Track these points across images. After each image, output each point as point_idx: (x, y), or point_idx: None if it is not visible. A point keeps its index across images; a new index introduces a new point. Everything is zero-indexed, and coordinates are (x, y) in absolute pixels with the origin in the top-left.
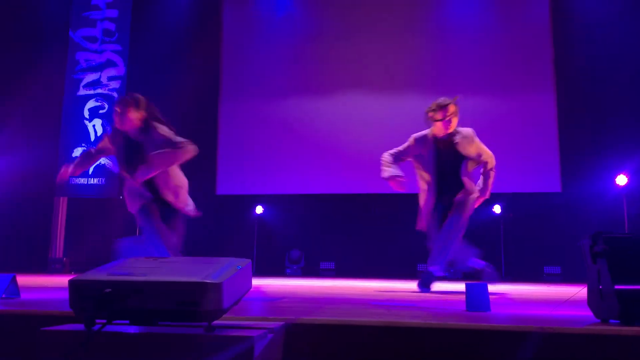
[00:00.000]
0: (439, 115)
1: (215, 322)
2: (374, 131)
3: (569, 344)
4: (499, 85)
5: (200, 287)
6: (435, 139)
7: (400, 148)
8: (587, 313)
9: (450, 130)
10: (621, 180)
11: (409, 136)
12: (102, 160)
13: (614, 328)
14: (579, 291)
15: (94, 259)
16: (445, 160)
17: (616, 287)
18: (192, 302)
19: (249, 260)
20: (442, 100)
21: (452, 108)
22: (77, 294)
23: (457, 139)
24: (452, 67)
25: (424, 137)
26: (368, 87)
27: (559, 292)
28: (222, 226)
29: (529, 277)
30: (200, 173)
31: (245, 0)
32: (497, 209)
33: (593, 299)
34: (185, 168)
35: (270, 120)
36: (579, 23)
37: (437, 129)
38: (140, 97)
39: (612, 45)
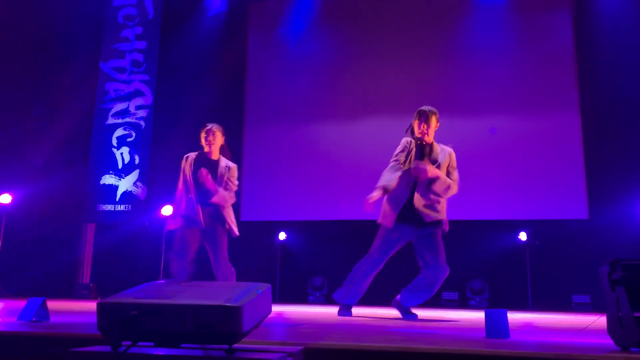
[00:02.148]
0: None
1: (236, 345)
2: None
3: None
4: (522, 110)
5: (222, 310)
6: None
7: None
8: (608, 341)
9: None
10: None
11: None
12: (130, 188)
13: (634, 356)
14: (596, 319)
15: (121, 285)
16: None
17: (636, 314)
18: (214, 324)
19: (269, 285)
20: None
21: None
22: (104, 316)
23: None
24: (474, 91)
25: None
26: (391, 111)
27: (584, 321)
28: (245, 252)
29: (557, 306)
30: None
31: (270, 28)
32: (522, 236)
33: (613, 327)
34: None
35: (293, 146)
36: (602, 44)
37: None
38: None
39: (636, 71)
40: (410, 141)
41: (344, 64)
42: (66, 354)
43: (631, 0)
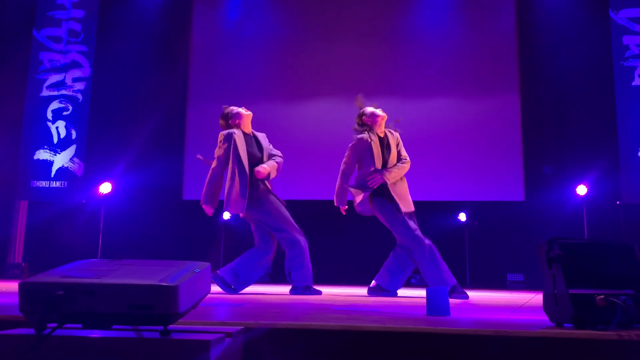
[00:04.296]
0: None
1: (172, 326)
2: (344, 136)
3: (525, 347)
4: (464, 93)
5: (156, 290)
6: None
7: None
8: (544, 317)
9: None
10: (581, 190)
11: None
12: (66, 164)
13: (567, 331)
14: (533, 297)
15: (55, 265)
16: None
17: (570, 291)
18: (147, 305)
19: (208, 264)
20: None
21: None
22: (27, 296)
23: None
24: (417, 73)
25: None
26: (338, 92)
27: (520, 298)
28: (188, 232)
29: (493, 285)
30: (167, 178)
31: (216, 4)
32: (462, 216)
33: (548, 304)
34: (152, 173)
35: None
36: (543, 29)
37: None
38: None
39: (574, 58)
40: (364, 142)
41: (291, 43)
42: None
43: None
